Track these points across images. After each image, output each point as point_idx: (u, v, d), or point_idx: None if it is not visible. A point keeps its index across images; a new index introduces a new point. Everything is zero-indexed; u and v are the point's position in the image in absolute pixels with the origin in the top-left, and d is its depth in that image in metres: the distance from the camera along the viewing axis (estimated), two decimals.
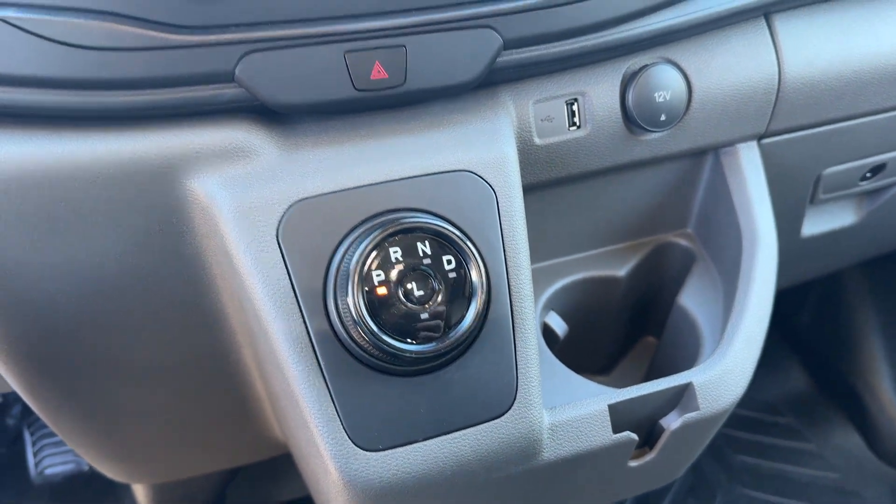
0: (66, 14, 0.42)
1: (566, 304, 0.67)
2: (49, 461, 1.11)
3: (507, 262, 0.49)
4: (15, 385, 0.59)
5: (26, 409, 1.15)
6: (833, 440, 1.22)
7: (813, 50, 0.62)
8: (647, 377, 0.73)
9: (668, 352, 0.71)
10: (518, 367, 0.49)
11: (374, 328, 0.44)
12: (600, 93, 0.56)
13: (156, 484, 0.90)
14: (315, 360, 0.46)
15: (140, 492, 0.92)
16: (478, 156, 0.50)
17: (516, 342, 0.49)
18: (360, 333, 0.44)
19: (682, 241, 0.70)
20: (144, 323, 0.53)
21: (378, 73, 0.47)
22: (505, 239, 0.49)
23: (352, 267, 0.44)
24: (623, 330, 0.75)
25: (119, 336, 0.54)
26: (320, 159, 0.48)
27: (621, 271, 0.68)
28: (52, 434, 1.12)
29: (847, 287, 1.25)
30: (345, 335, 0.45)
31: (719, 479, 1.14)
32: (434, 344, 0.45)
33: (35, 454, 1.11)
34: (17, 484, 1.09)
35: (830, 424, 1.24)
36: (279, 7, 0.44)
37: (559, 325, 0.63)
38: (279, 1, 0.44)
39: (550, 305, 0.66)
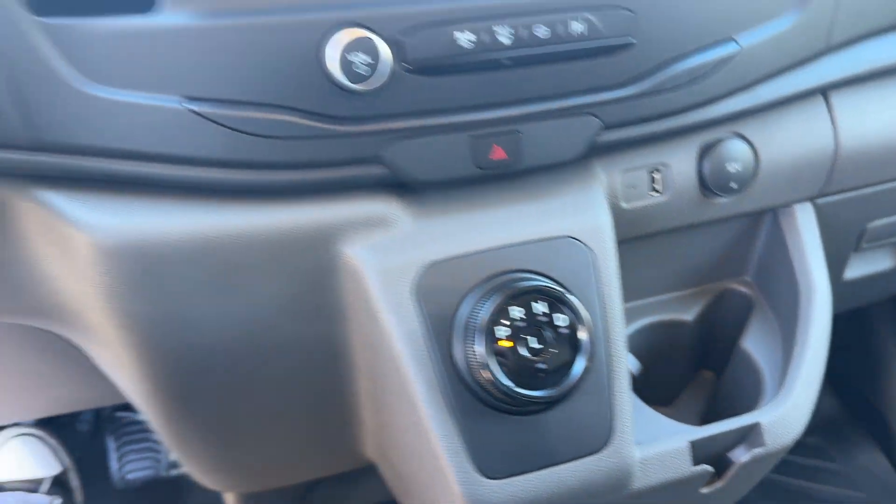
0: (247, 108, 0.50)
1: (639, 344, 0.74)
2: (130, 466, 1.19)
3: (606, 316, 0.57)
4: (150, 409, 0.68)
5: (104, 416, 1.25)
6: (859, 461, 1.27)
7: (866, 122, 0.70)
8: (707, 411, 0.81)
9: (730, 390, 0.78)
10: (613, 407, 0.57)
11: (498, 375, 0.51)
12: (679, 163, 0.64)
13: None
14: (444, 400, 0.54)
15: (230, 499, 1.00)
16: (578, 223, 0.58)
17: (612, 385, 0.57)
18: (484, 379, 0.52)
19: (743, 289, 0.78)
20: (280, 360, 0.61)
21: (496, 153, 0.55)
22: (603, 295, 0.57)
23: (479, 322, 0.52)
24: (686, 367, 0.83)
25: (256, 370, 0.62)
26: (446, 227, 0.56)
27: (689, 315, 0.76)
28: (133, 441, 1.21)
29: (874, 314, 1.31)
30: (469, 379, 0.53)
31: (749, 496, 1.20)
32: (548, 391, 0.52)
33: (119, 459, 1.19)
34: (101, 486, 1.18)
35: (857, 446, 1.29)
36: (416, 101, 0.52)
37: (633, 364, 0.71)
38: (415, 96, 0.52)
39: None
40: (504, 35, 0.52)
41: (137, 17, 0.47)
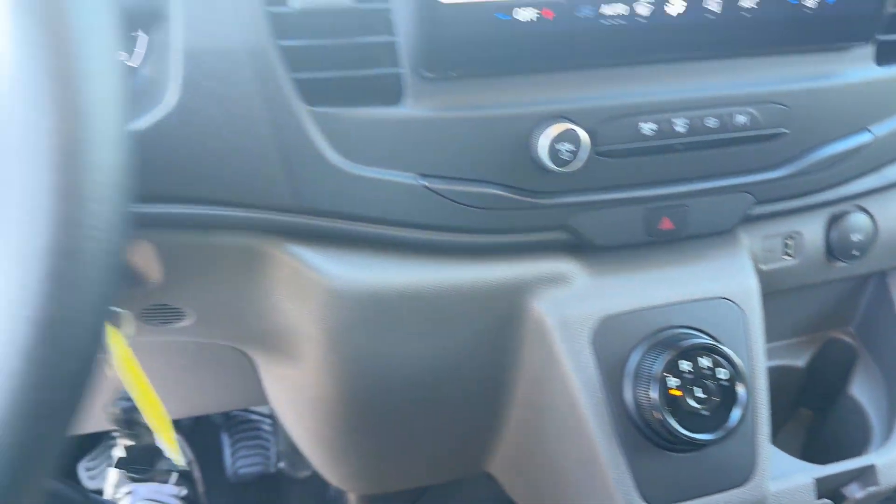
0: (465, 184, 0.59)
1: None
2: (242, 462, 1.30)
3: (753, 369, 0.66)
4: (313, 422, 0.78)
5: (219, 415, 1.36)
6: None
7: None
8: (808, 447, 0.89)
9: (834, 430, 0.86)
10: (756, 446, 0.66)
11: (668, 419, 0.60)
12: (810, 232, 0.72)
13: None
14: (615, 437, 0.63)
15: (352, 498, 1.11)
16: (731, 285, 0.67)
17: (755, 428, 0.66)
18: (655, 421, 0.61)
19: (847, 338, 0.86)
20: (449, 388, 0.71)
21: (664, 224, 0.64)
22: (751, 351, 0.66)
23: (654, 372, 0.61)
24: (789, 406, 0.91)
25: (426, 397, 0.72)
26: (618, 285, 0.65)
27: (801, 361, 0.84)
28: (245, 438, 1.32)
29: None
30: (639, 420, 0.62)
31: None
32: (708, 434, 0.61)
33: (232, 455, 1.30)
34: (217, 479, 1.29)
35: None
36: (601, 178, 0.62)
37: None
38: (602, 175, 0.61)
39: None
40: (680, 125, 0.61)
41: (387, 108, 0.57)
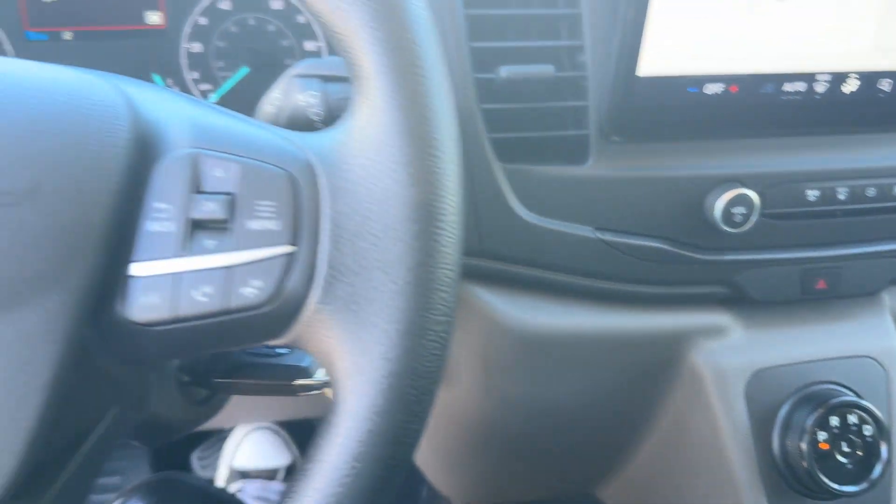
0: (638, 238, 0.63)
1: None
2: None
3: (892, 425, 0.68)
4: (434, 441, 0.83)
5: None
6: None
7: None
8: None
9: None
10: (891, 498, 0.69)
11: (815, 470, 0.64)
12: None
13: None
14: (760, 484, 0.66)
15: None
16: (875, 344, 0.70)
17: (892, 480, 0.69)
18: (803, 471, 0.64)
19: None
20: (594, 421, 0.75)
21: (819, 284, 0.67)
22: (892, 408, 0.69)
23: (806, 425, 0.64)
24: None
25: (570, 424, 0.76)
26: (770, 339, 0.68)
27: None
28: None
29: None
30: (784, 469, 0.65)
31: None
32: (852, 486, 0.64)
33: None
34: None
35: None
36: (764, 239, 0.65)
37: None
38: (765, 235, 0.65)
39: None
40: (842, 193, 0.64)
41: (572, 167, 0.61)
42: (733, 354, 0.67)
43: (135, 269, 0.32)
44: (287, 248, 0.32)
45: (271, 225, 0.32)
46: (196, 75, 0.74)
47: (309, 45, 0.75)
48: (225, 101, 0.75)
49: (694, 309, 0.67)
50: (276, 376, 0.48)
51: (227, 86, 0.75)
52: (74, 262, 0.30)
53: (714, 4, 0.55)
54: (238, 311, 0.32)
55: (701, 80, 0.58)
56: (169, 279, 0.31)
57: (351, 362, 0.32)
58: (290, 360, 0.49)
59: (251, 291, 0.32)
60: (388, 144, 0.32)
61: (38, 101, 0.31)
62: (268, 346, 0.45)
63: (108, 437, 0.39)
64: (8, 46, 0.70)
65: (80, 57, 0.72)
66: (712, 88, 0.58)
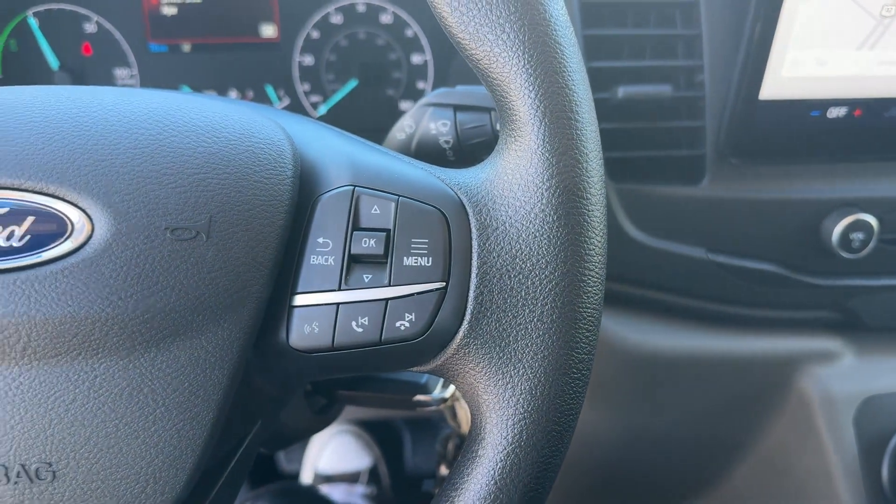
0: (751, 260, 0.62)
1: None
2: (420, 459, 1.39)
3: None
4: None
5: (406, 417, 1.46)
6: None
7: None
8: None
9: None
10: None
11: None
12: None
13: None
14: None
15: None
16: None
17: None
18: None
19: None
20: (687, 439, 0.75)
21: None
22: None
23: None
24: None
25: (661, 443, 0.76)
26: (881, 366, 0.66)
27: None
28: (425, 438, 1.41)
29: None
30: (891, 496, 0.64)
31: None
32: None
33: (413, 453, 1.39)
34: (399, 476, 1.39)
35: None
36: (878, 265, 0.63)
37: None
38: (879, 261, 0.63)
39: None
40: None
41: (686, 188, 0.61)
42: (843, 381, 0.66)
43: (298, 299, 0.33)
44: (439, 284, 0.33)
45: (424, 261, 0.33)
46: (307, 87, 0.76)
47: (416, 59, 0.76)
48: (334, 112, 0.77)
49: (804, 333, 0.66)
50: (397, 391, 0.50)
51: (337, 97, 0.77)
52: (245, 293, 0.32)
53: (841, 28, 0.54)
54: (391, 342, 0.33)
55: (824, 104, 0.57)
56: (329, 310, 0.33)
57: (496, 395, 0.33)
58: (408, 377, 0.51)
59: (404, 325, 0.33)
60: (539, 187, 0.32)
61: (211, 139, 0.33)
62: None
63: (252, 447, 0.41)
64: (132, 57, 0.73)
65: (198, 68, 0.75)
66: (836, 112, 0.57)
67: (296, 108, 0.77)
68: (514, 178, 0.33)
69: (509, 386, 0.33)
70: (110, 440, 0.31)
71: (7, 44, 0.72)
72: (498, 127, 0.44)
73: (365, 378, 0.51)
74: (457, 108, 0.45)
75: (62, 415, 0.31)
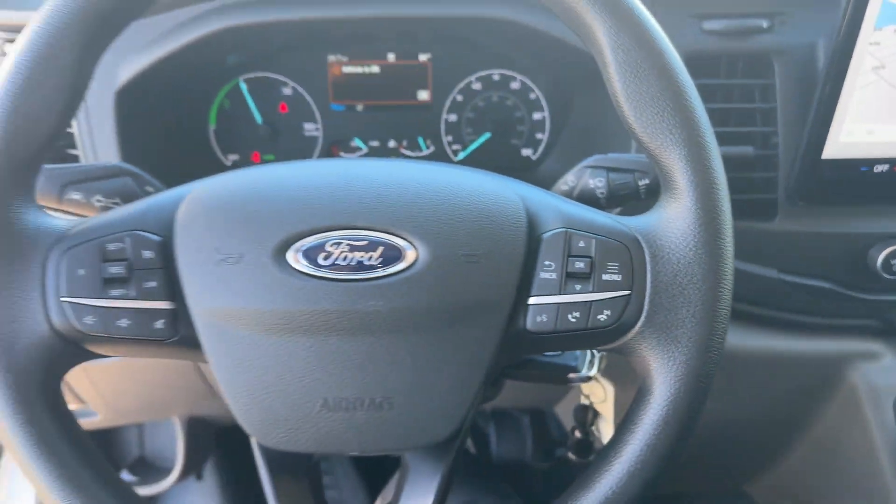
0: (810, 279, 0.81)
1: None
2: (504, 448, 1.56)
3: None
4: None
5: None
6: None
7: None
8: None
9: None
10: None
11: None
12: None
13: None
14: None
15: None
16: None
17: None
18: None
19: None
20: (750, 424, 0.93)
21: None
22: None
23: None
24: None
25: (726, 429, 0.94)
26: None
27: None
28: (509, 429, 1.58)
29: None
30: None
31: None
32: None
33: (497, 442, 1.56)
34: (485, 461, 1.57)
35: None
36: None
37: None
38: None
39: None
40: None
41: (761, 223, 0.79)
42: (884, 375, 0.83)
43: (532, 300, 0.52)
44: (625, 292, 0.52)
45: (616, 277, 0.52)
46: (450, 138, 0.96)
47: (536, 115, 0.96)
48: (470, 158, 0.97)
49: (853, 337, 0.84)
50: (555, 370, 0.68)
51: (473, 146, 0.96)
52: (502, 296, 0.51)
53: (885, 107, 0.72)
54: (593, 328, 0.52)
55: (872, 162, 0.75)
56: (553, 307, 0.52)
57: (662, 364, 0.52)
58: (562, 360, 0.69)
59: (603, 318, 0.52)
60: (693, 231, 0.51)
61: (480, 200, 0.52)
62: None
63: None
64: (317, 115, 0.94)
65: (367, 123, 0.95)
66: (880, 168, 0.75)
67: (440, 154, 0.97)
68: (675, 225, 0.52)
69: (670, 359, 0.52)
70: (424, 385, 0.51)
71: (222, 102, 0.93)
72: (640, 183, 0.63)
73: (529, 360, 0.69)
74: (609, 169, 0.64)
75: (400, 366, 0.50)
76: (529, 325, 0.52)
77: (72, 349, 0.50)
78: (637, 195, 0.63)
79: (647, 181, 0.62)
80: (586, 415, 0.77)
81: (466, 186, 0.53)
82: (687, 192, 0.51)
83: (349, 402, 0.50)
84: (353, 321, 0.49)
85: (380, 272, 0.50)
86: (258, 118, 0.93)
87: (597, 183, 0.64)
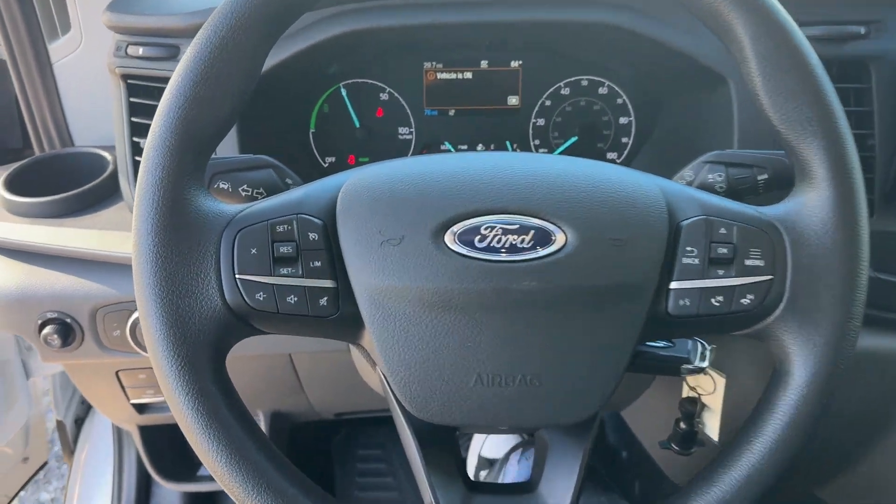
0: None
1: None
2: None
3: None
4: None
5: None
6: None
7: None
8: None
9: None
10: None
11: None
12: None
13: None
14: None
15: None
16: None
17: None
18: None
19: None
20: (847, 422, 0.94)
21: None
22: None
23: None
24: None
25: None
26: None
27: None
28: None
29: None
30: None
31: None
32: None
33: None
34: None
35: None
36: None
37: None
38: None
39: None
40: None
41: None
42: None
43: (674, 284, 0.54)
44: (768, 277, 0.54)
45: (759, 262, 0.54)
46: (537, 142, 0.99)
47: (622, 120, 0.99)
48: None
49: None
50: (669, 362, 0.70)
51: (559, 150, 0.99)
52: (647, 279, 0.53)
53: None
54: (735, 312, 0.54)
55: None
56: (696, 291, 0.54)
57: (801, 347, 0.54)
58: (675, 352, 0.71)
59: (746, 302, 0.54)
60: (831, 220, 0.53)
61: (622, 188, 0.55)
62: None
63: None
64: (411, 119, 0.97)
65: (457, 127, 0.98)
66: None
67: None
68: (813, 213, 0.54)
69: (810, 342, 0.54)
70: (573, 363, 0.53)
71: (322, 107, 0.96)
72: (759, 178, 0.66)
73: (642, 351, 0.71)
74: (727, 164, 0.67)
75: (550, 344, 0.52)
76: (671, 308, 0.55)
77: (240, 325, 0.53)
78: (756, 190, 0.65)
79: (766, 176, 0.65)
80: (694, 407, 0.78)
81: (608, 176, 0.56)
82: (825, 181, 0.54)
83: (502, 378, 0.53)
84: (508, 300, 0.52)
85: (532, 254, 0.52)
86: (356, 122, 0.96)
87: (716, 178, 0.66)
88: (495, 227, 0.53)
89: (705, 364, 0.70)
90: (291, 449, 1.34)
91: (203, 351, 0.52)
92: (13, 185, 0.93)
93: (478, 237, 0.53)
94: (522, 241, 0.53)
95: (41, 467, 1.53)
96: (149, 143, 0.52)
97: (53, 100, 1.03)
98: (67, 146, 1.06)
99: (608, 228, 0.53)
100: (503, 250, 0.52)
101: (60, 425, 1.46)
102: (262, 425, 1.17)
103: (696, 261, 0.55)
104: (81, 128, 1.05)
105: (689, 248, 0.55)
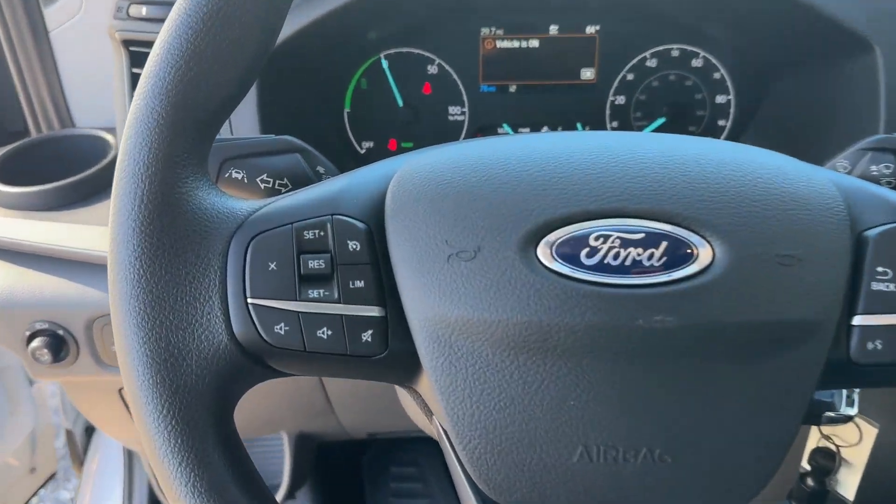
0: None
1: None
2: None
3: None
4: None
5: None
6: None
7: None
8: None
9: None
10: None
11: None
12: None
13: None
14: None
15: None
16: None
17: None
18: None
19: None
20: None
21: None
22: None
23: None
24: None
25: None
26: None
27: None
28: None
29: None
30: None
31: None
32: None
33: None
34: None
35: None
36: None
37: None
38: None
39: None
40: None
41: None
42: None
43: (858, 320, 0.38)
44: None
45: None
46: (615, 124, 0.83)
47: (720, 99, 0.82)
48: None
49: None
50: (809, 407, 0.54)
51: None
52: (826, 314, 0.37)
53: None
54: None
55: None
56: (891, 331, 0.38)
57: None
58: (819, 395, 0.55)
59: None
60: None
61: (787, 184, 0.39)
62: None
63: None
64: (464, 97, 0.82)
65: (519, 106, 0.82)
66: None
67: None
68: None
69: None
70: (723, 431, 0.37)
71: (359, 82, 0.81)
72: None
73: None
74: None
75: (690, 405, 0.37)
76: (855, 353, 0.39)
77: (253, 367, 0.39)
78: None
79: None
80: (831, 462, 0.62)
81: (765, 165, 0.40)
82: None
83: (619, 453, 0.37)
84: (628, 343, 0.37)
85: (665, 276, 0.37)
86: (399, 100, 0.81)
87: (882, 169, 0.50)
88: (610, 235, 0.37)
89: (853, 412, 0.54)
90: (318, 466, 1.20)
91: (202, 403, 0.38)
92: (1, 173, 0.79)
93: (585, 250, 0.37)
94: (650, 256, 0.37)
95: (49, 478, 1.41)
96: (131, 115, 0.38)
97: (51, 74, 0.89)
98: (68, 127, 0.92)
99: (774, 241, 0.37)
100: (622, 270, 0.37)
101: (70, 435, 1.34)
102: (286, 447, 1.04)
103: (893, 286, 0.39)
104: (84, 107, 0.91)
105: (880, 269, 0.39)
